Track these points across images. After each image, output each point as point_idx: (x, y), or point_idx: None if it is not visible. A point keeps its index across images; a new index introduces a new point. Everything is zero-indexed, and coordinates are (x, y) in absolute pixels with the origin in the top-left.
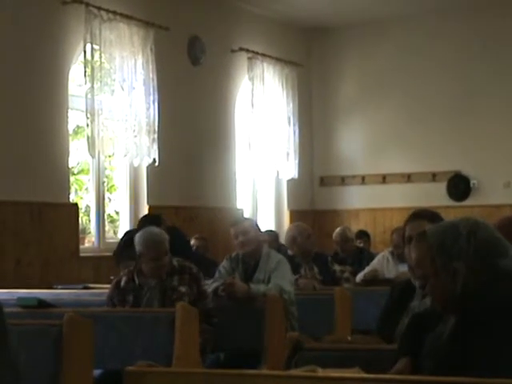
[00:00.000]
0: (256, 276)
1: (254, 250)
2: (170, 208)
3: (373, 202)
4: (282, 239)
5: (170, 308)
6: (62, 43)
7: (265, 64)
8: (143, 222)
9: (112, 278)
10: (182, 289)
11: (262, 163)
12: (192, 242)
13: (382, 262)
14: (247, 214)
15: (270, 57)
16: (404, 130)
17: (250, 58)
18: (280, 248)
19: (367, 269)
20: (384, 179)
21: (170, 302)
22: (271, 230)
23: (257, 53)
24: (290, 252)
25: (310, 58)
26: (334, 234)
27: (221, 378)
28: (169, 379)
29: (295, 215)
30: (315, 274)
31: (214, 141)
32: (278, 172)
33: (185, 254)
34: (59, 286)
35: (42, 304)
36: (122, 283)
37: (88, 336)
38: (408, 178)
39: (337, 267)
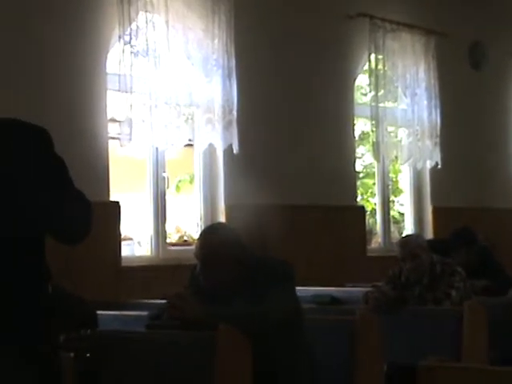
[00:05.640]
0: None
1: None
2: (454, 209)
3: None
4: None
5: (458, 306)
6: (349, 54)
7: None
8: (456, 235)
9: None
10: (449, 290)
11: None
12: None
13: None
14: None
15: None
16: None
17: None
18: None
19: None
20: None
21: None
22: None
23: None
24: None
25: None
26: None
27: None
28: (462, 375)
29: None
30: None
31: (495, 143)
32: None
33: (496, 274)
34: (349, 284)
35: (334, 301)
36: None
37: (377, 331)
38: None
39: None
